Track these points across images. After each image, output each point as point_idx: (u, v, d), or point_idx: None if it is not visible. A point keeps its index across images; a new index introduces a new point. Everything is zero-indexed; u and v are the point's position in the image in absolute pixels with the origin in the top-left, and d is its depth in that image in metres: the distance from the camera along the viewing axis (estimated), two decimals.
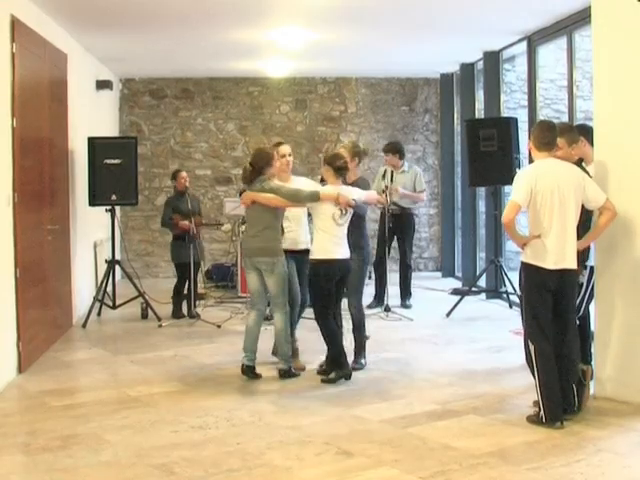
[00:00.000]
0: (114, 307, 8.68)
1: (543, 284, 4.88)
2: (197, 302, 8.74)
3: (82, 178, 8.51)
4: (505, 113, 10.12)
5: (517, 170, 7.73)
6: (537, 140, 5.00)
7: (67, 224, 7.95)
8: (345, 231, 5.99)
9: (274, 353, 6.36)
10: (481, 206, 10.72)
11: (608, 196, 5.06)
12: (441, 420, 5.04)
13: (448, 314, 8.66)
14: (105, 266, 8.67)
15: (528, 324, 4.98)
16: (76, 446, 4.57)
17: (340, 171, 6.02)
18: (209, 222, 9.70)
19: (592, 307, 5.50)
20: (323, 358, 6.22)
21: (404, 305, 9.15)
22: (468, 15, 7.84)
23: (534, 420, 4.88)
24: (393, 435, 4.76)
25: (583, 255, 5.18)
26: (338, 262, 5.93)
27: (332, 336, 6.01)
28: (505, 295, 9.24)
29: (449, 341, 7.48)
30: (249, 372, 6.08)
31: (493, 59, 9.98)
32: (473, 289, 9.49)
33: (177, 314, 8.55)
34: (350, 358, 6.17)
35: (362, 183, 6.32)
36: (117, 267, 8.78)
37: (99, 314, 8.61)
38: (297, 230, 6.38)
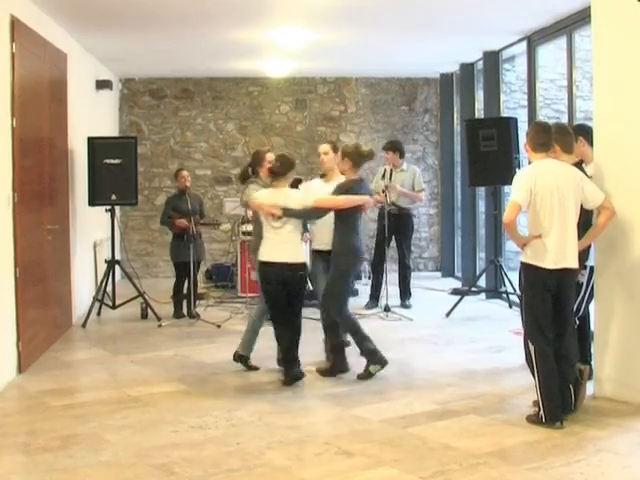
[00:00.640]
0: (114, 307, 8.68)
1: (543, 284, 4.88)
2: (197, 302, 8.74)
3: (82, 178, 8.51)
4: (505, 113, 10.12)
5: (517, 170, 7.74)
6: (533, 141, 5.03)
7: (67, 224, 7.95)
8: (291, 233, 5.89)
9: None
10: (481, 206, 10.71)
11: (608, 196, 5.06)
12: (441, 420, 5.04)
13: (448, 314, 8.66)
14: (105, 266, 8.67)
15: (528, 324, 4.99)
16: (76, 446, 4.57)
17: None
18: (207, 222, 9.67)
19: (592, 307, 5.50)
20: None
21: (404, 305, 9.15)
22: (468, 15, 7.84)
23: (534, 420, 4.88)
24: (393, 435, 4.76)
25: (583, 255, 5.18)
26: (279, 265, 5.86)
27: (279, 339, 6.02)
28: (505, 295, 9.24)
29: (449, 341, 7.48)
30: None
31: (493, 59, 9.98)
32: (473, 289, 9.49)
33: (178, 314, 8.56)
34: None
35: (354, 186, 5.99)
36: (117, 267, 8.78)
37: (99, 314, 8.61)
38: (324, 230, 6.31)
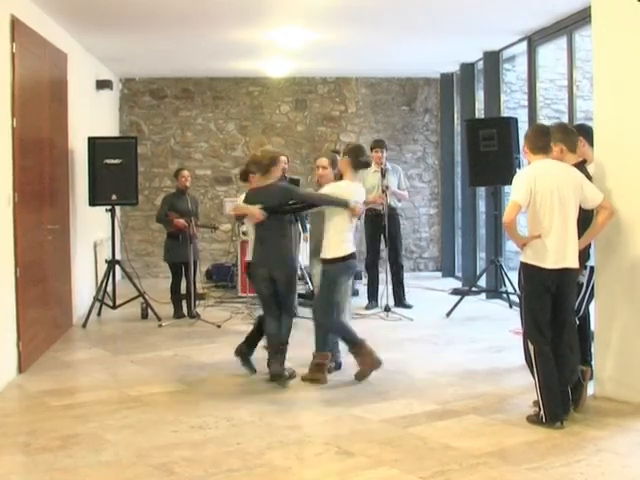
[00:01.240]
0: (114, 307, 8.68)
1: (543, 284, 4.88)
2: (197, 302, 8.74)
3: (82, 178, 8.51)
4: (505, 113, 10.12)
5: (517, 170, 7.74)
6: (531, 144, 5.04)
7: (67, 224, 7.95)
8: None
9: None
10: (481, 206, 10.72)
11: (608, 196, 5.06)
12: (441, 420, 5.04)
13: (448, 314, 8.66)
14: (105, 266, 8.67)
15: (528, 325, 4.98)
16: (76, 446, 4.57)
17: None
18: (204, 224, 9.65)
19: (592, 307, 5.50)
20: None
21: (403, 305, 9.13)
22: (468, 15, 7.85)
23: (534, 420, 4.88)
24: (393, 435, 4.76)
25: (584, 255, 5.18)
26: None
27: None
28: (505, 295, 9.24)
29: (449, 341, 7.48)
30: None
31: (493, 59, 9.98)
32: (473, 289, 9.48)
33: (178, 314, 8.56)
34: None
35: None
36: (117, 267, 8.77)
37: (99, 314, 8.61)
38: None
